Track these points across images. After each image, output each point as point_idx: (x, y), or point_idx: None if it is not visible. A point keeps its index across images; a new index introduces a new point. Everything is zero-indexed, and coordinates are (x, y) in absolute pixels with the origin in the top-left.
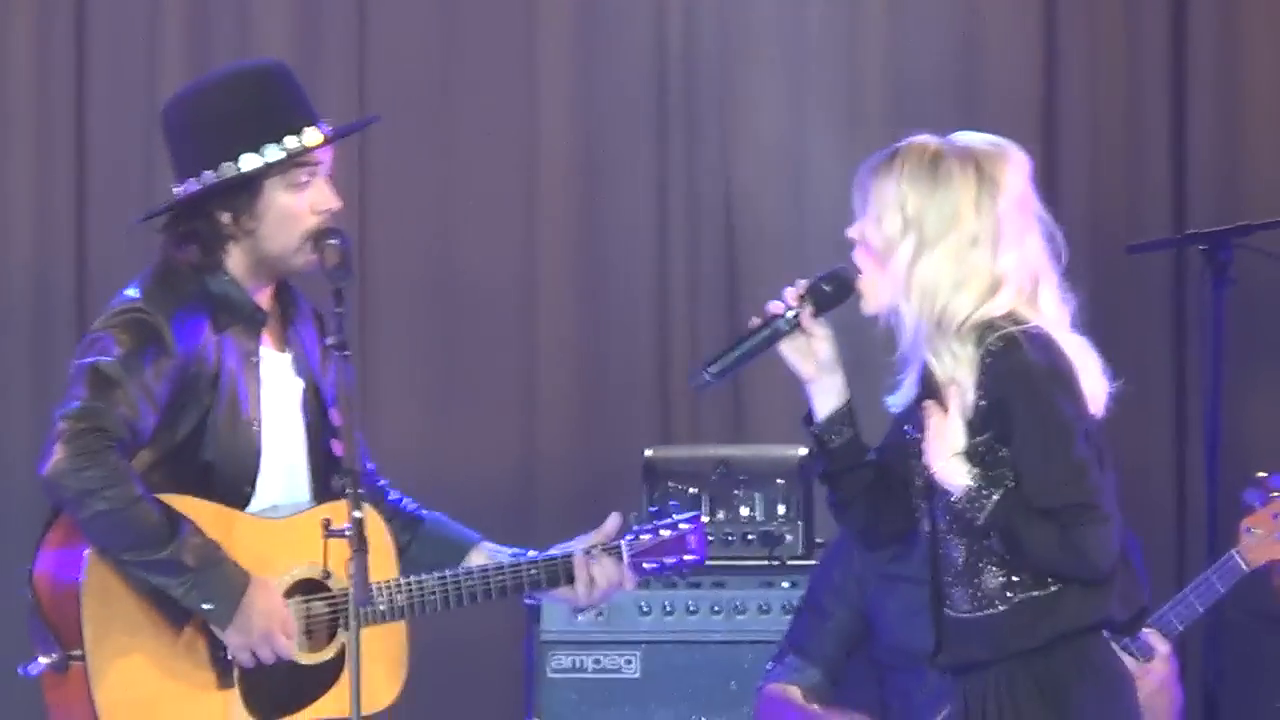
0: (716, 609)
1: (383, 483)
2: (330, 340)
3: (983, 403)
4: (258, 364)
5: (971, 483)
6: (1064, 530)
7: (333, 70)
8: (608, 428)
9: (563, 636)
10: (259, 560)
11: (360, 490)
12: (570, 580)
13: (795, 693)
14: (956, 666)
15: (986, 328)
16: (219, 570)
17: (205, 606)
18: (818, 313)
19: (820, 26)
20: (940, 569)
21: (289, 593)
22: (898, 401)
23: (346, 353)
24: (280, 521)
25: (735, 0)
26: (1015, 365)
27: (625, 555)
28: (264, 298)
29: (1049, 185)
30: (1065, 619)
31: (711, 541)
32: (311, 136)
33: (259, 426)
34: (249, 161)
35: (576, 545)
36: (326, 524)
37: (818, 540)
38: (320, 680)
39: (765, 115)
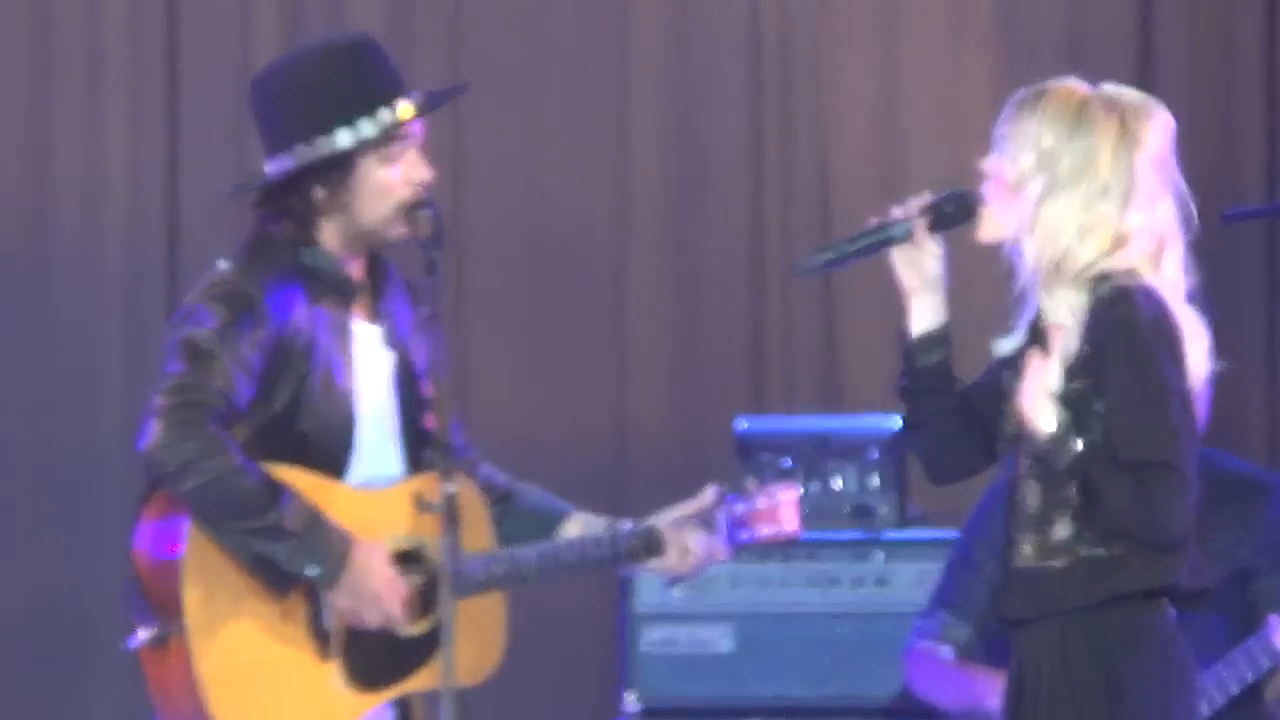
0: (810, 582)
1: (475, 455)
2: (423, 311)
3: (1086, 349)
4: (351, 336)
5: (1058, 427)
6: (1142, 487)
7: (426, 40)
8: (701, 397)
9: (656, 610)
10: (358, 530)
11: (453, 464)
12: (666, 551)
13: (947, 651)
14: (1014, 619)
15: (1103, 278)
16: (323, 533)
17: (310, 570)
18: (934, 228)
19: None
20: (1015, 516)
21: (394, 561)
22: (1004, 348)
23: (439, 324)
24: (377, 492)
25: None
26: (1123, 316)
27: (721, 526)
28: (356, 270)
29: None
30: (1125, 580)
31: (805, 514)
32: (404, 109)
33: (354, 397)
34: (343, 137)
35: (671, 516)
36: (419, 498)
37: (912, 512)
38: (419, 652)
39: (862, 83)
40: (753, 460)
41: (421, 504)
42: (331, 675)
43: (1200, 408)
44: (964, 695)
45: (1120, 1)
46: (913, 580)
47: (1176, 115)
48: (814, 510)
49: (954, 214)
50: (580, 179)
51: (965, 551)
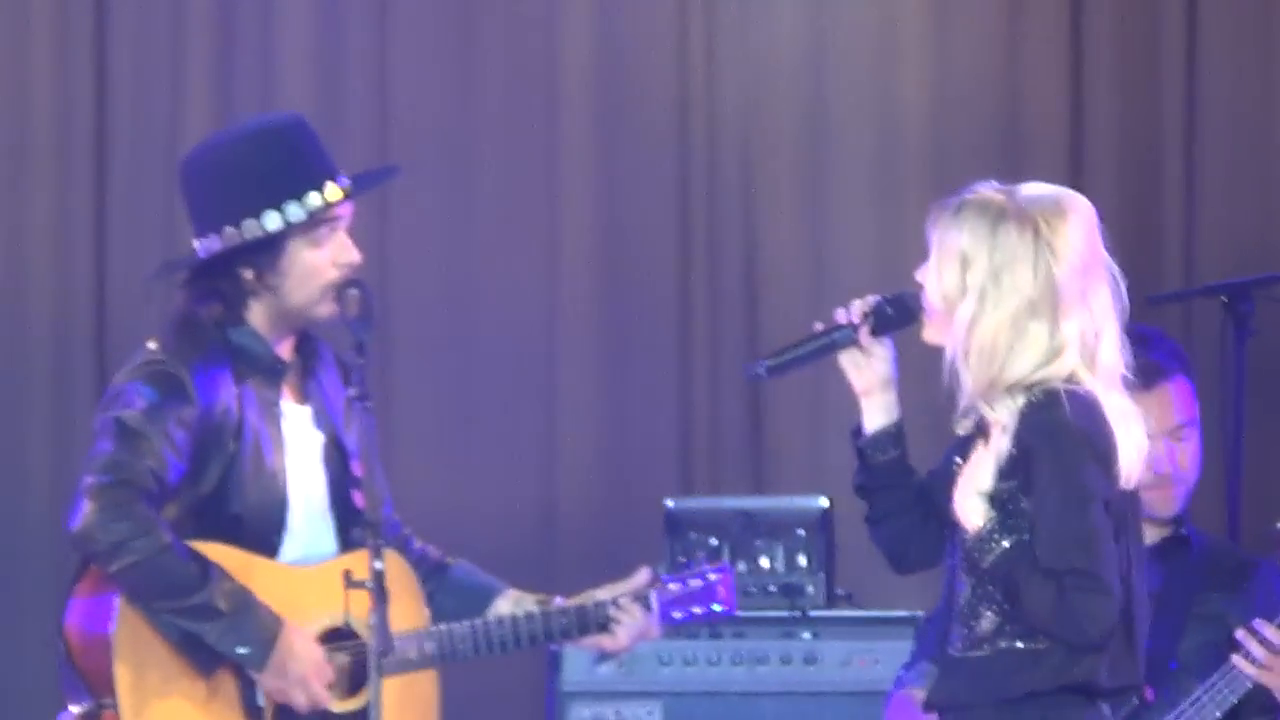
0: (737, 660)
1: (406, 532)
2: (352, 391)
3: (1014, 450)
4: (279, 416)
5: (984, 524)
6: (1062, 593)
7: (354, 123)
8: (628, 478)
9: (584, 688)
10: (287, 608)
11: (381, 541)
12: (601, 628)
13: (923, 697)
14: (941, 705)
15: (1038, 384)
16: (252, 614)
17: (240, 650)
18: (876, 332)
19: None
20: (950, 605)
21: (317, 641)
22: (960, 429)
23: (368, 404)
24: (307, 570)
25: (759, 69)
26: (1049, 420)
27: (654, 605)
28: (285, 349)
29: None
30: (1045, 675)
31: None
32: (332, 192)
33: (284, 476)
34: (271, 220)
35: (604, 594)
36: (348, 575)
37: (839, 591)
38: None
39: (788, 176)
40: (681, 539)
41: (351, 581)
42: None
43: (1154, 496)
44: None
45: (1053, 99)
46: (840, 659)
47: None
48: (741, 589)
49: (896, 316)
50: (509, 258)
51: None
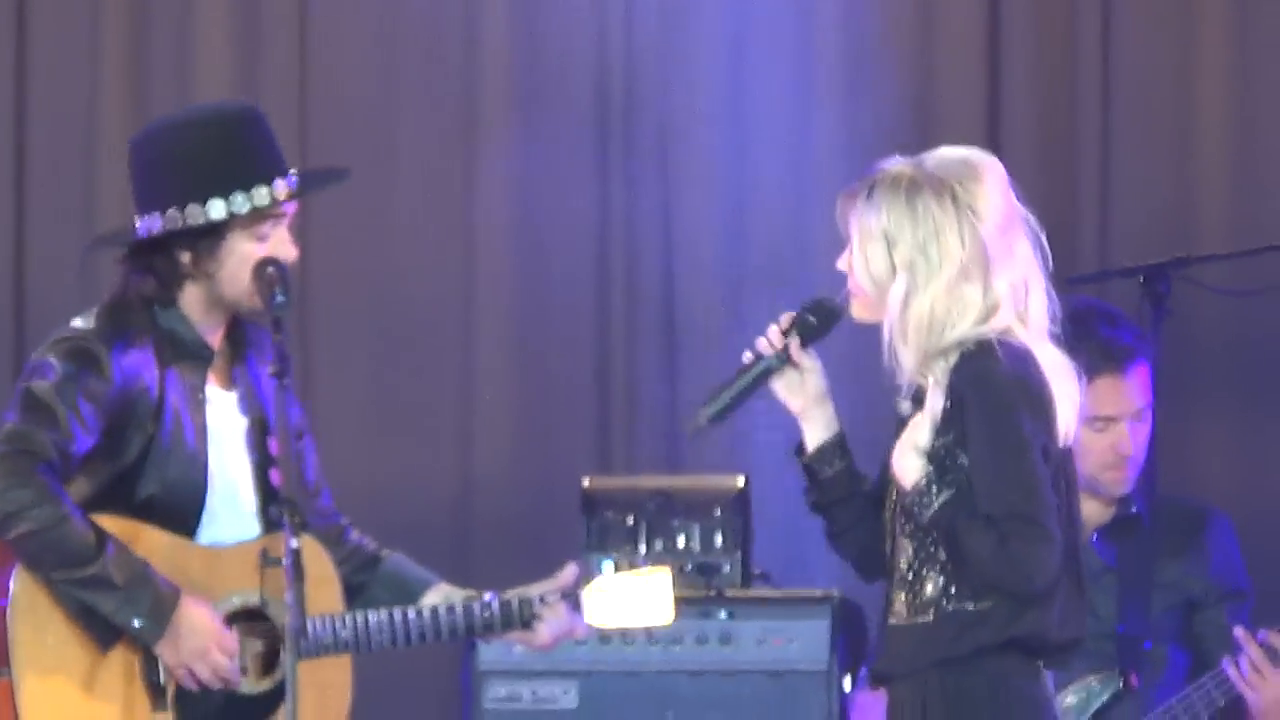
0: (654, 639)
1: (343, 521)
2: (270, 369)
3: (948, 404)
4: (204, 401)
5: (921, 478)
6: (1003, 540)
7: (272, 102)
8: (545, 457)
9: (499, 667)
10: (199, 587)
11: (298, 520)
12: (525, 625)
13: None
14: (885, 675)
15: (972, 339)
16: (147, 586)
17: (135, 623)
18: (804, 344)
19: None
20: (890, 576)
21: (228, 620)
22: (902, 410)
23: (287, 380)
24: (222, 550)
25: (677, 49)
26: (981, 370)
27: (583, 604)
28: (215, 335)
29: None
30: (989, 632)
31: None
32: (281, 190)
33: (204, 461)
34: (216, 209)
35: (532, 591)
36: (264, 553)
37: (755, 571)
38: (258, 710)
39: (706, 144)
40: (598, 518)
41: (267, 559)
42: None
43: (1113, 476)
44: None
45: (970, 72)
46: (756, 638)
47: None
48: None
49: (820, 323)
50: (427, 237)
51: None
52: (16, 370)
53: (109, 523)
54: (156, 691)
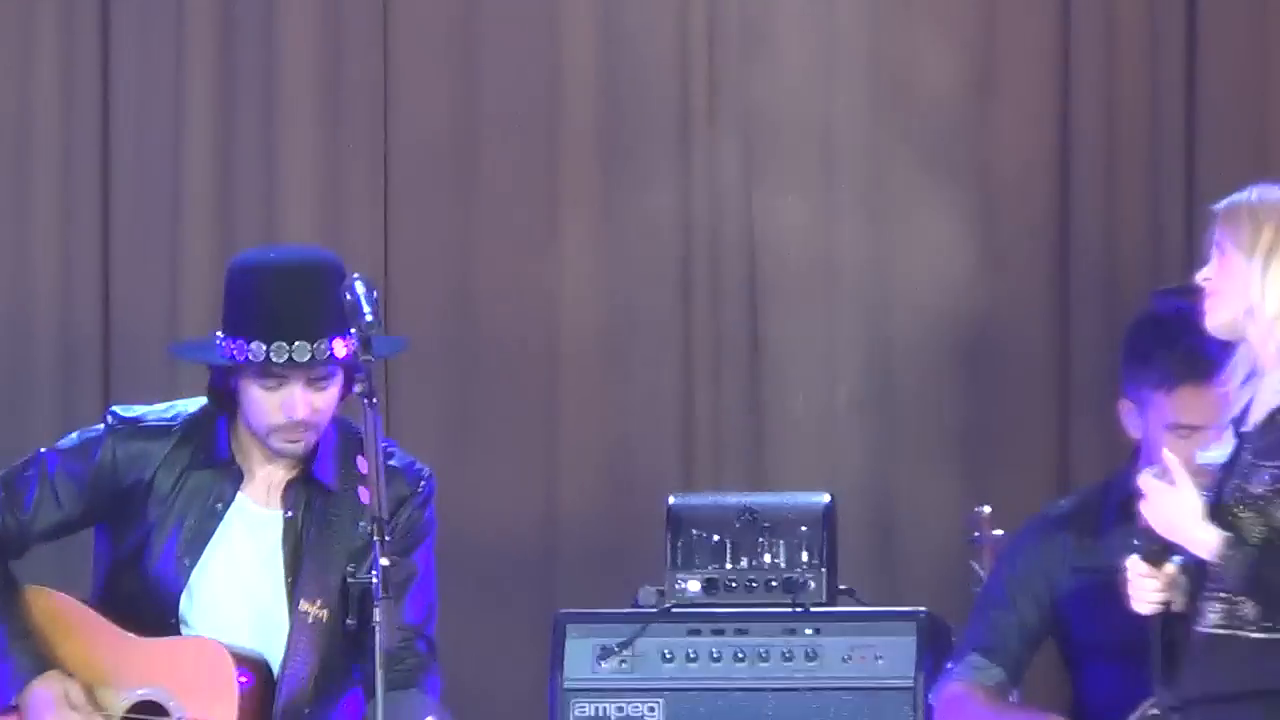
0: (740, 656)
1: (423, 654)
2: (357, 388)
3: None
4: (220, 512)
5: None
6: None
7: (358, 125)
8: (630, 475)
9: (585, 684)
10: (113, 672)
11: (385, 539)
12: None
13: (976, 690)
14: (1195, 697)
15: None
16: (7, 661)
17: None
18: (1160, 562)
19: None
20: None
21: (134, 709)
22: (1209, 458)
23: (373, 400)
24: (144, 642)
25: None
26: None
27: None
28: (261, 455)
29: (1063, 230)
30: None
31: (734, 588)
32: (278, 353)
33: (188, 570)
34: (229, 348)
35: None
36: (351, 574)
37: (840, 587)
38: None
39: (792, 161)
40: (683, 536)
41: (354, 578)
42: None
43: (1181, 455)
44: None
45: (1041, 85)
46: (842, 654)
47: (1097, 192)
48: (744, 585)
49: (1162, 550)
50: (511, 255)
51: (996, 594)
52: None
53: (47, 598)
54: None
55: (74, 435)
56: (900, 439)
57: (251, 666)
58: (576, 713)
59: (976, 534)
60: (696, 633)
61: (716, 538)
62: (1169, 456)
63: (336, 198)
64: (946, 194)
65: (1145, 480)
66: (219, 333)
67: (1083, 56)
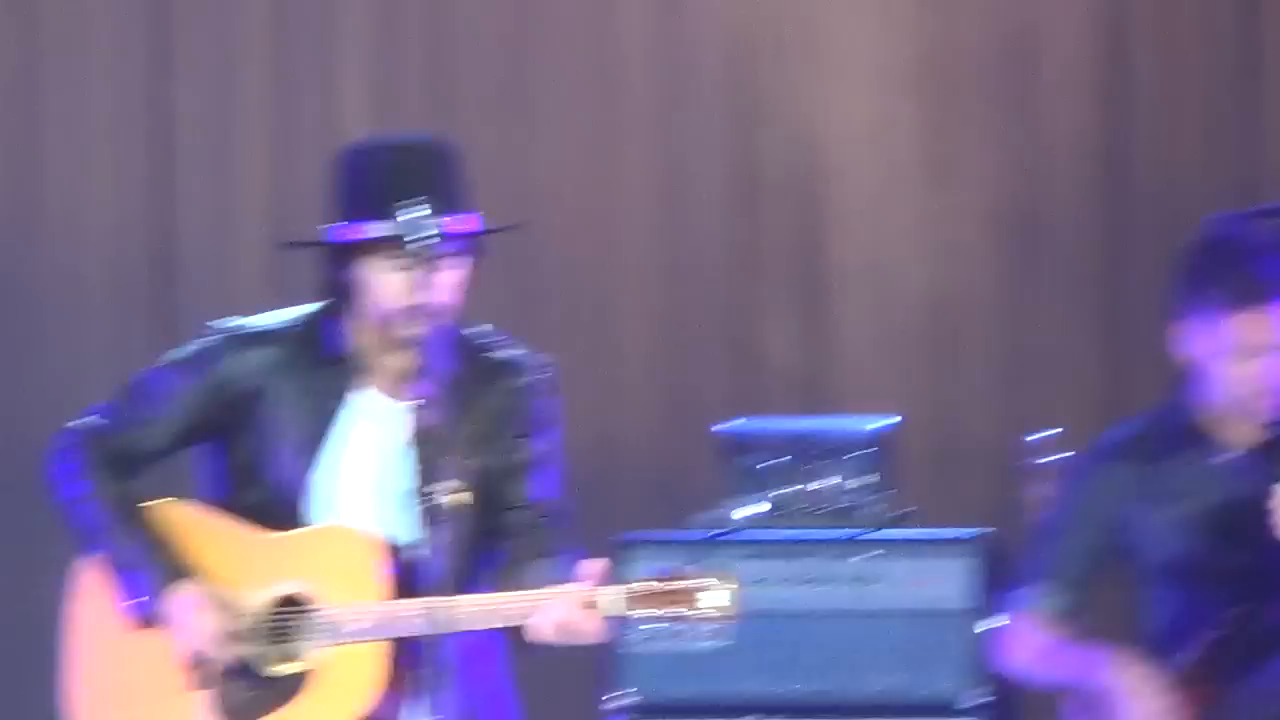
0: (799, 580)
1: (546, 521)
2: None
3: None
4: (334, 409)
5: None
6: None
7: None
8: (685, 402)
9: None
10: (248, 572)
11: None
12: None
13: (1043, 621)
14: None
15: None
16: (142, 571)
17: (135, 602)
18: None
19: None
20: None
21: (275, 603)
22: None
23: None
24: (282, 536)
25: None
26: None
27: (606, 603)
28: (383, 347)
29: (1122, 152)
30: None
31: (794, 513)
32: (390, 227)
33: (307, 468)
34: (351, 230)
35: (571, 588)
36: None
37: (898, 511)
38: (287, 690)
39: (847, 91)
40: (738, 462)
41: (426, 504)
42: (197, 705)
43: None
44: (1073, 671)
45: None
46: (900, 578)
47: (1157, 125)
48: (804, 509)
49: None
50: (568, 184)
51: (1062, 519)
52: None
53: (172, 509)
54: (191, 670)
55: (180, 350)
56: (962, 363)
57: (392, 553)
58: (635, 638)
59: (1038, 457)
60: (760, 557)
61: (775, 462)
62: None
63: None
64: (999, 109)
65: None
66: (329, 226)
67: None
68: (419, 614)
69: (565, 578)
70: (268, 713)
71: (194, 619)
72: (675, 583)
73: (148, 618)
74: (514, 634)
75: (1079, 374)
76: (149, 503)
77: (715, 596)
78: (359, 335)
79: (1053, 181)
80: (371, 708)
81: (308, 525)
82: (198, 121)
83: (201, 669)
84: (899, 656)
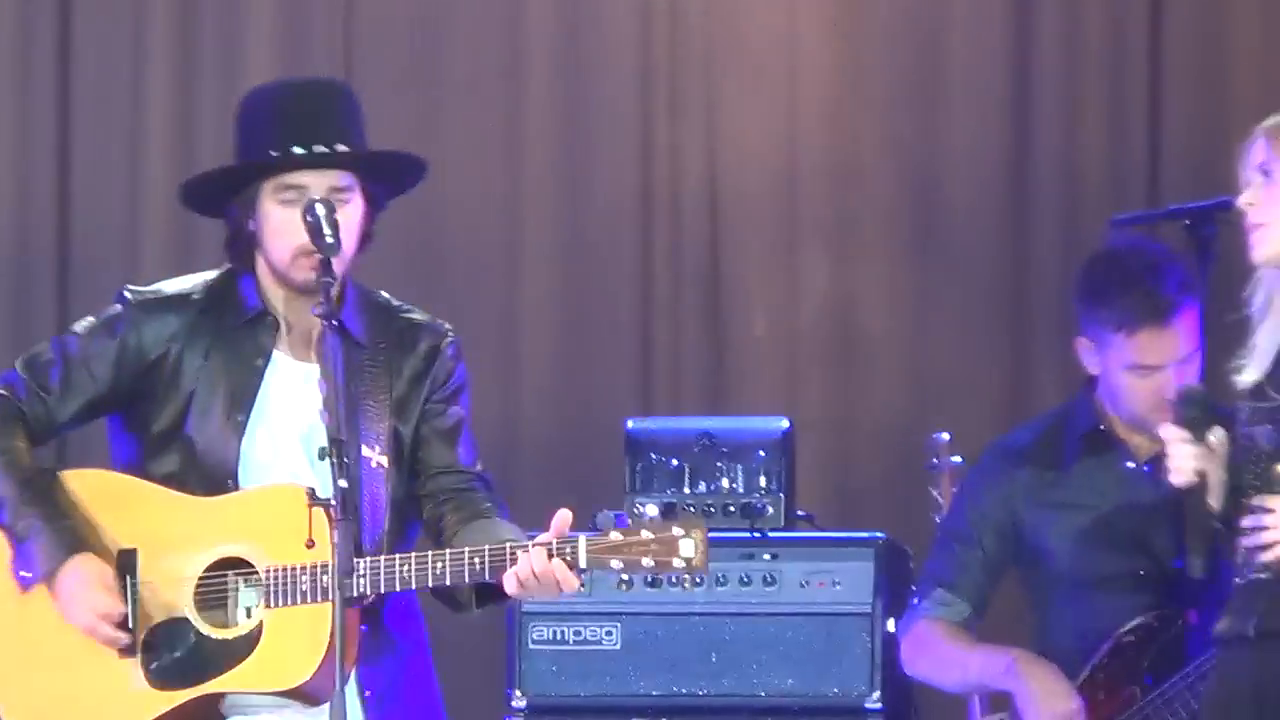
0: (697, 581)
1: (473, 480)
2: (317, 310)
3: None
4: (260, 369)
5: None
6: None
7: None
8: (588, 398)
9: (544, 607)
10: (182, 536)
11: (343, 460)
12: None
13: (943, 627)
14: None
15: None
16: (37, 542)
17: (23, 574)
18: (1201, 437)
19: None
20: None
21: (215, 568)
22: (1246, 379)
23: (334, 321)
24: (217, 500)
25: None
26: None
27: (582, 553)
28: (290, 306)
29: (1025, 154)
30: None
31: (692, 513)
32: (292, 154)
33: (241, 429)
34: (242, 166)
35: (542, 539)
36: (311, 492)
37: (799, 512)
38: (228, 654)
39: (753, 83)
40: (641, 460)
41: (315, 499)
42: (132, 669)
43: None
44: (971, 674)
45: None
46: (799, 579)
47: (1060, 117)
48: (702, 509)
49: (1202, 412)
50: (473, 174)
51: (959, 527)
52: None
53: (91, 476)
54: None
55: (90, 317)
56: (859, 365)
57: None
58: (534, 636)
59: (935, 460)
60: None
61: (675, 462)
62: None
63: None
64: (903, 116)
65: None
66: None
67: None
68: (373, 573)
69: (523, 533)
70: (204, 678)
71: (82, 594)
72: (642, 534)
73: (36, 588)
74: (455, 596)
75: (979, 376)
76: (73, 471)
77: (684, 545)
78: (267, 292)
79: (955, 186)
80: (312, 676)
81: (241, 488)
82: (97, 105)
83: (110, 642)
84: (799, 658)
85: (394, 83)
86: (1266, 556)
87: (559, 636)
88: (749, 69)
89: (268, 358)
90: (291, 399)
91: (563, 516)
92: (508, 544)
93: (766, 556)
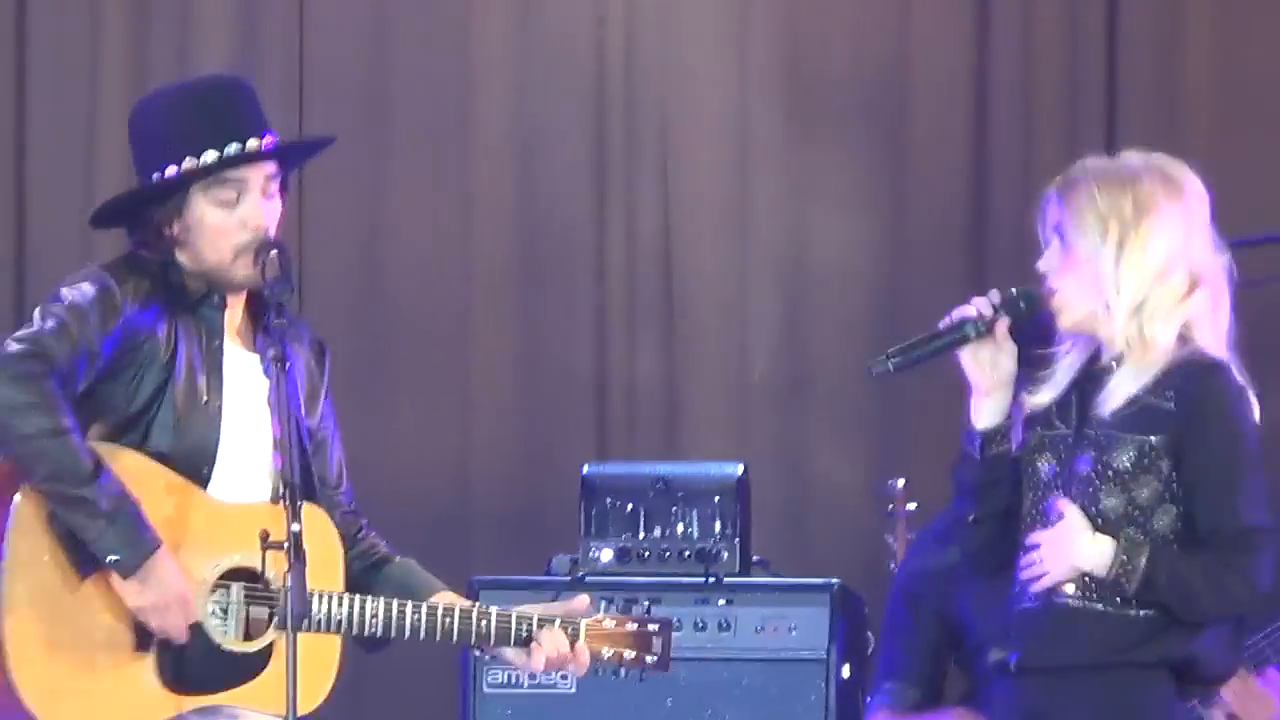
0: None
1: (362, 520)
2: (270, 352)
3: (1170, 405)
4: (220, 351)
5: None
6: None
7: (272, 85)
8: (544, 444)
9: None
10: (199, 539)
11: (300, 503)
12: (521, 643)
13: (899, 714)
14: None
15: (1183, 341)
16: (132, 524)
17: (111, 557)
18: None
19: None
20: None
21: (226, 577)
22: (1039, 401)
23: (288, 365)
24: (230, 507)
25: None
26: (1214, 387)
27: (582, 634)
28: (232, 305)
29: (978, 209)
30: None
31: (647, 557)
32: (233, 150)
33: (219, 415)
34: (170, 171)
35: (537, 610)
36: (265, 535)
37: (754, 558)
38: (241, 669)
39: (708, 142)
40: (597, 505)
41: (268, 543)
42: (144, 668)
43: None
44: None
45: (957, 23)
46: (754, 624)
47: (1015, 140)
48: (656, 554)
49: (1026, 307)
50: (425, 222)
51: (897, 619)
52: None
53: (125, 456)
54: (143, 632)
55: (76, 285)
56: (814, 411)
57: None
58: (489, 680)
59: (890, 507)
60: (609, 602)
61: (630, 507)
62: (1065, 504)
63: None
64: (860, 166)
65: (1038, 536)
66: (148, 174)
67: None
68: (386, 613)
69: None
70: (220, 689)
71: (179, 584)
72: (627, 625)
73: (124, 573)
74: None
75: (935, 423)
76: (107, 447)
77: (657, 642)
78: (194, 281)
79: (912, 229)
80: (322, 704)
81: (212, 472)
82: (52, 117)
83: (178, 635)
84: (754, 703)
85: (343, 96)
86: (1035, 588)
87: (514, 680)
88: (702, 120)
89: (223, 339)
90: (247, 385)
91: (581, 600)
92: (514, 614)
93: (721, 602)
